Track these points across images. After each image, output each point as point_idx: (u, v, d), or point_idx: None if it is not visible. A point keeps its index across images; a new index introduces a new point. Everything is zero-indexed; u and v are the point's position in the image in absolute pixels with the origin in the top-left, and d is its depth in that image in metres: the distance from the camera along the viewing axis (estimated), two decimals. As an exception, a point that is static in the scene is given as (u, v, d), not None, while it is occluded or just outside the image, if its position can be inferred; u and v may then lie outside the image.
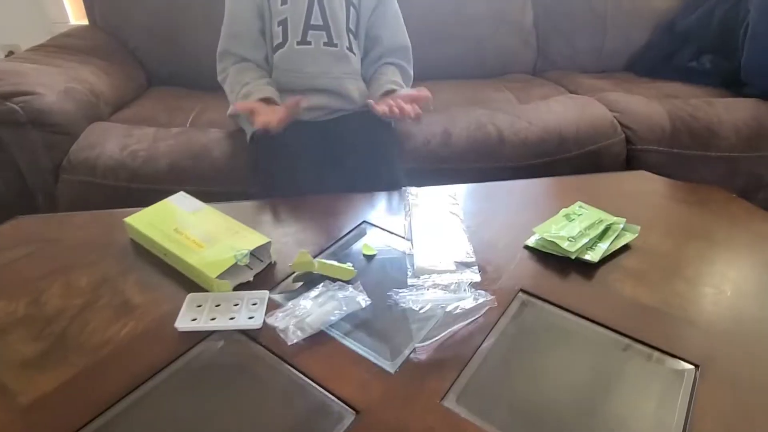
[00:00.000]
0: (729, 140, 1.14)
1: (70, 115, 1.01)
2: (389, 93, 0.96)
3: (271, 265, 0.65)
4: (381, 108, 0.88)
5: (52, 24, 1.91)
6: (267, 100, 0.92)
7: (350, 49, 1.00)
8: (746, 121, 1.16)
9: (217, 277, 0.59)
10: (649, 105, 1.21)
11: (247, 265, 0.63)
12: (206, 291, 0.60)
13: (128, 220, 0.69)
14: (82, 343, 0.54)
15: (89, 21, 1.48)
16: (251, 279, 0.62)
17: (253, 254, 0.65)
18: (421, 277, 0.62)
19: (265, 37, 0.99)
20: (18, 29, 1.93)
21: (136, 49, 1.40)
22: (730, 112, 1.19)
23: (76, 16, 1.93)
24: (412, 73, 1.08)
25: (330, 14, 0.96)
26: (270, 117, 0.84)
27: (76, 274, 0.63)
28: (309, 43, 0.97)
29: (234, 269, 0.62)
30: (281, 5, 0.95)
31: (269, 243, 0.65)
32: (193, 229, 0.66)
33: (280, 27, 0.96)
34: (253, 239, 0.64)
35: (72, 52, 1.24)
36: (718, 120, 1.16)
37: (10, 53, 1.92)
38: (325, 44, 0.97)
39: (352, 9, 0.99)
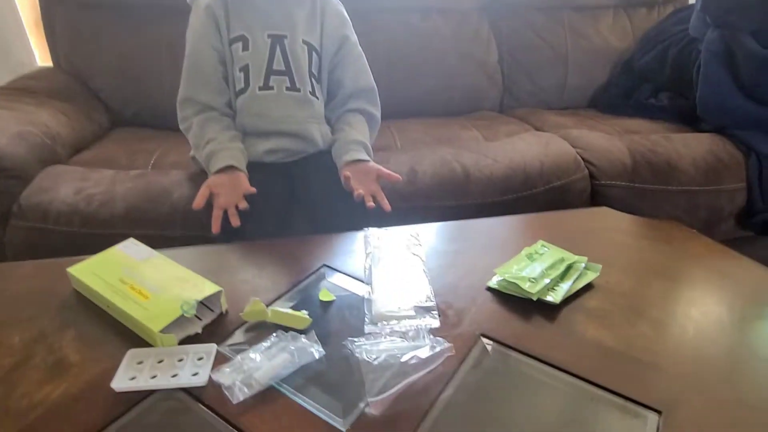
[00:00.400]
0: (688, 174, 1.17)
1: (21, 159, 0.98)
2: (356, 162, 0.94)
3: (222, 315, 0.62)
4: (357, 193, 0.87)
5: (19, 65, 1.89)
6: (230, 169, 0.90)
7: (313, 93, 1.00)
8: (703, 155, 1.20)
9: (161, 331, 0.55)
10: (610, 141, 1.24)
11: (196, 316, 0.60)
12: (150, 346, 0.57)
13: (71, 270, 0.65)
14: (8, 409, 0.49)
15: (53, 63, 1.47)
16: (200, 331, 0.59)
17: (204, 304, 0.62)
18: (379, 324, 0.60)
19: (228, 83, 0.98)
20: (-18, 71, 1.89)
21: (99, 90, 1.38)
22: (688, 146, 1.22)
23: (42, 59, 1.91)
24: (378, 115, 1.08)
25: (292, 59, 0.96)
26: (230, 201, 0.84)
27: (9, 330, 0.59)
28: (271, 88, 0.96)
29: (181, 321, 0.58)
30: (242, 51, 0.95)
31: (220, 292, 0.62)
32: (140, 278, 0.63)
33: (242, 73, 0.96)
34: (203, 288, 0.61)
35: (31, 94, 1.22)
36: (677, 155, 1.19)
37: (-28, 95, 1.88)
38: (287, 89, 0.97)
39: (314, 54, 1.00)
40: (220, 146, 0.91)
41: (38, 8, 1.88)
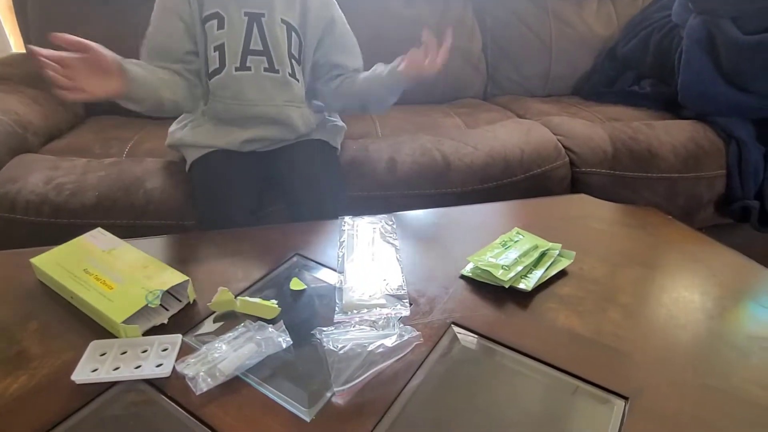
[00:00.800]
0: (668, 161, 1.17)
1: (-11, 148, 0.96)
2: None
3: (190, 305, 0.61)
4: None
5: (-8, 52, 1.84)
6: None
7: (293, 75, 0.97)
8: (684, 142, 1.20)
9: (124, 322, 0.54)
10: (591, 128, 1.23)
11: (162, 306, 0.59)
12: (115, 337, 0.56)
13: (34, 260, 0.64)
14: (-36, 403, 0.48)
15: (25, 48, 1.42)
16: (165, 321, 0.58)
17: (172, 294, 0.61)
18: (349, 313, 0.59)
19: (199, 61, 0.94)
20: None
21: (74, 77, 1.35)
22: (669, 133, 1.22)
23: (17, 45, 1.86)
24: None
25: (270, 39, 0.93)
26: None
27: (-32, 323, 0.58)
28: (248, 69, 0.93)
29: (147, 312, 0.57)
30: (217, 30, 0.91)
31: (187, 281, 0.61)
32: (105, 268, 0.62)
33: (217, 52, 0.92)
34: (169, 278, 0.60)
35: (2, 81, 1.18)
36: (658, 142, 1.19)
37: (-56, 82, 1.83)
38: (265, 70, 0.94)
39: (294, 35, 0.96)
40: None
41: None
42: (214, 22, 0.91)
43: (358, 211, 0.93)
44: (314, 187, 0.95)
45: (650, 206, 0.94)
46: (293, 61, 0.97)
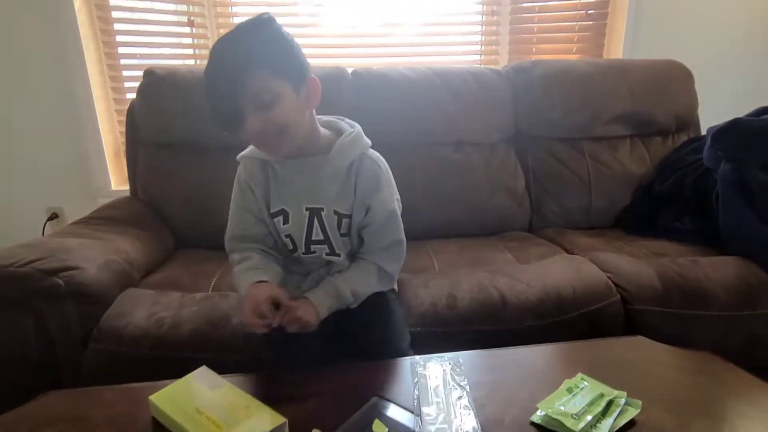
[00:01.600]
0: (720, 299, 1.20)
1: (105, 286, 1.11)
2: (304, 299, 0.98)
3: (285, 446, 0.68)
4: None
5: (97, 190, 2.15)
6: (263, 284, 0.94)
7: (348, 254, 1.06)
8: (732, 280, 1.23)
9: (233, 462, 0.61)
10: (638, 265, 1.30)
11: (262, 447, 0.66)
12: (222, 476, 0.62)
13: (153, 398, 0.73)
14: None
15: (131, 192, 1.68)
16: (266, 463, 0.64)
17: (269, 434, 0.68)
18: (431, 460, 0.64)
19: (274, 239, 1.06)
20: (63, 193, 2.16)
21: (170, 217, 1.57)
22: (716, 271, 1.27)
23: (116, 183, 2.17)
24: (391, 270, 1.07)
25: (329, 230, 1.02)
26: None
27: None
28: (314, 253, 1.04)
29: (250, 452, 0.64)
30: (284, 224, 1.02)
31: (285, 423, 0.68)
32: (213, 408, 0.70)
33: (288, 238, 1.04)
34: (268, 419, 0.68)
35: (113, 223, 1.39)
36: (706, 279, 1.23)
37: (54, 215, 2.12)
38: (327, 254, 1.04)
39: (344, 219, 1.03)
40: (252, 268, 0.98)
41: (117, 140, 2.19)
42: (281, 217, 1.03)
43: (420, 346, 1.00)
44: (378, 329, 1.02)
45: (709, 347, 0.96)
46: (344, 238, 1.05)
